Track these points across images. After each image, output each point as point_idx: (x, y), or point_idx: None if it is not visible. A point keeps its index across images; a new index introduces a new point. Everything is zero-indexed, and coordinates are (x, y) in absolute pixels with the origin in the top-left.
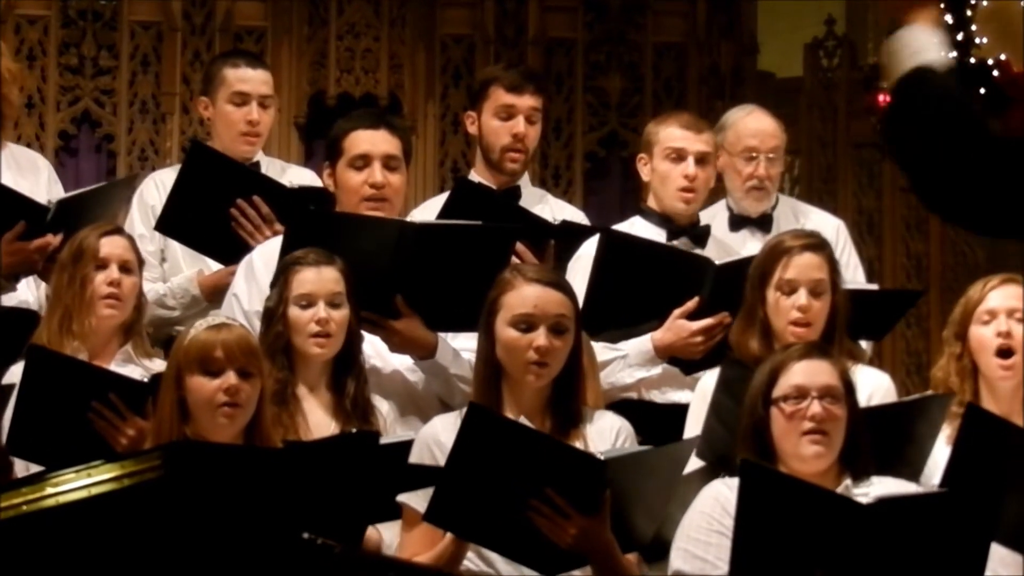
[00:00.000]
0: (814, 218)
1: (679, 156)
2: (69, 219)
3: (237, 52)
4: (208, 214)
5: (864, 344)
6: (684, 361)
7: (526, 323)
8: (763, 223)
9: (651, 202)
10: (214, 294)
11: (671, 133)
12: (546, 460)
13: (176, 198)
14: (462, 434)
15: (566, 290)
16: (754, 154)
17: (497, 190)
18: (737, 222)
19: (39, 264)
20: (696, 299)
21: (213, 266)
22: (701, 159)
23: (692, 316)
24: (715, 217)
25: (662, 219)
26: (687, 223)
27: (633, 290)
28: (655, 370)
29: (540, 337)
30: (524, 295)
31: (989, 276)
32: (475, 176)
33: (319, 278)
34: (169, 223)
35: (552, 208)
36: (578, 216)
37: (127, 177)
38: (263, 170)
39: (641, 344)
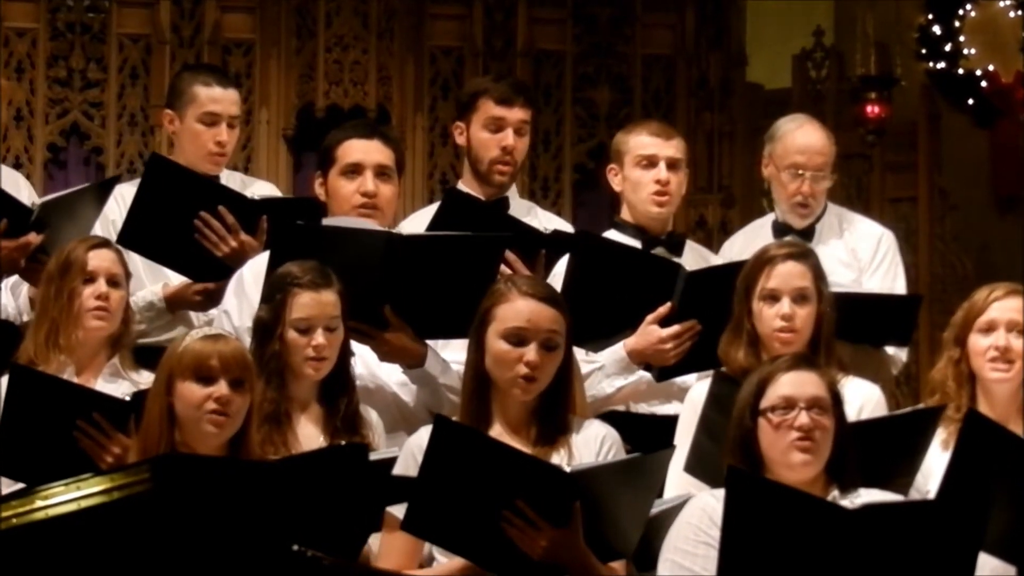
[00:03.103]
0: (859, 227)
1: (650, 163)
2: (52, 221)
3: (207, 68)
4: (170, 227)
5: (891, 350)
6: (658, 368)
7: (518, 337)
8: (806, 233)
9: (624, 214)
10: (177, 305)
11: (641, 141)
12: (514, 473)
13: (137, 211)
14: (431, 446)
15: (560, 305)
16: (800, 171)
17: (485, 201)
18: (781, 231)
19: (20, 263)
20: (668, 305)
21: (174, 279)
22: (672, 164)
23: (665, 322)
24: (763, 227)
25: (637, 230)
26: (661, 232)
27: (608, 296)
28: (632, 377)
29: (531, 352)
30: (518, 308)
31: (996, 284)
32: (463, 187)
33: (318, 302)
34: (130, 237)
35: (540, 219)
36: (565, 227)
37: (108, 179)
38: (223, 183)
39: (615, 352)
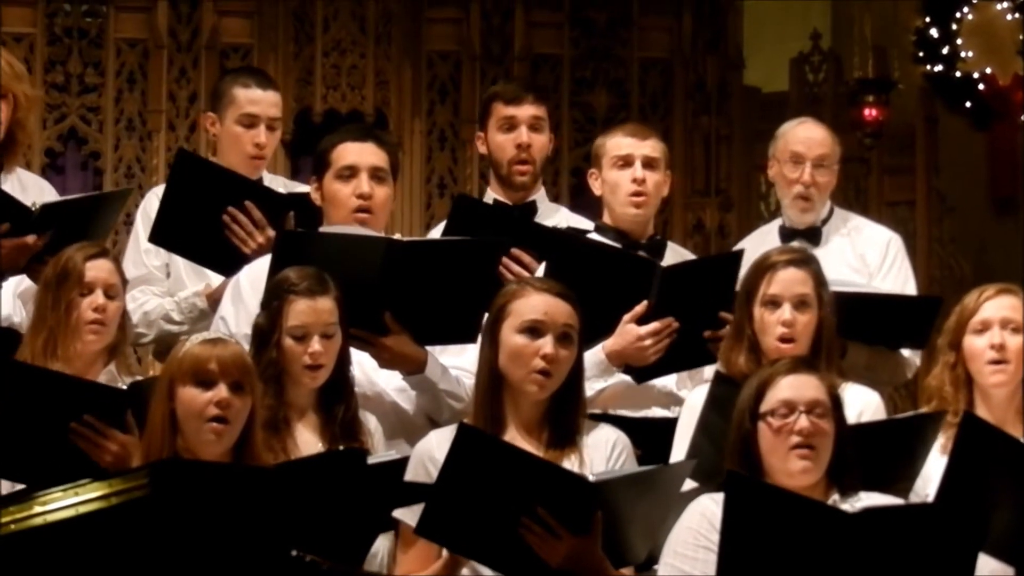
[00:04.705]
0: (867, 231)
1: (626, 162)
2: (55, 224)
3: (248, 71)
4: (200, 223)
5: (907, 353)
6: (636, 370)
7: (535, 330)
8: (812, 235)
9: (606, 217)
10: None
11: (617, 142)
12: (537, 481)
13: (167, 208)
14: (452, 454)
15: (573, 302)
16: (799, 160)
17: (513, 207)
18: (788, 234)
19: (20, 262)
20: (644, 303)
21: (215, 278)
22: (648, 163)
23: (643, 320)
24: (770, 232)
25: (617, 234)
26: (642, 235)
27: (587, 297)
28: (612, 379)
29: (547, 345)
30: (534, 303)
31: (985, 286)
32: (490, 195)
33: (314, 310)
34: (162, 234)
35: (568, 222)
36: (585, 226)
37: (119, 191)
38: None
39: (594, 355)
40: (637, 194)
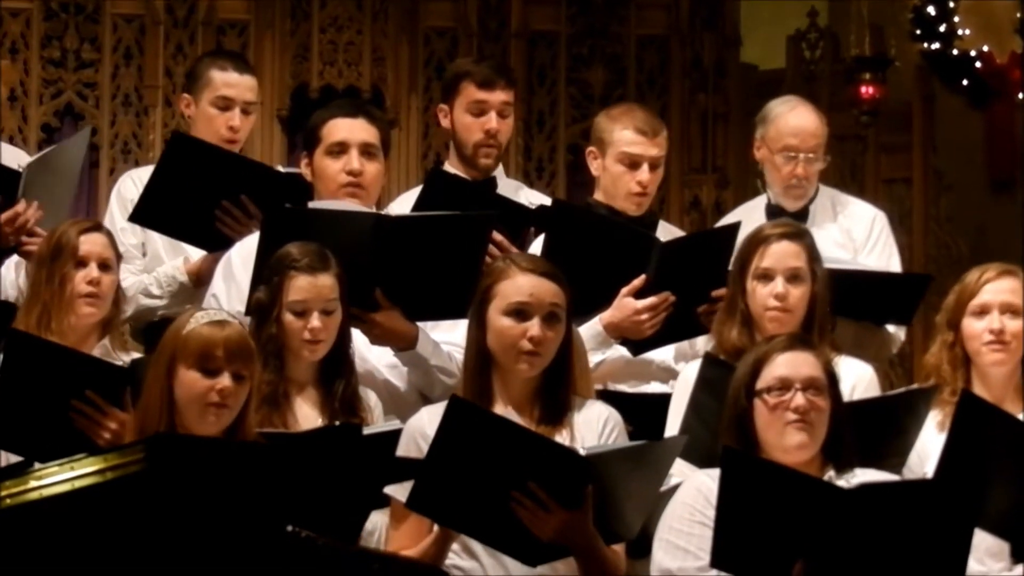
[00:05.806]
0: (852, 208)
1: (634, 163)
2: (37, 182)
3: (226, 53)
4: (189, 203)
5: (892, 328)
6: (633, 342)
7: (521, 312)
8: (800, 215)
9: (599, 195)
10: (201, 280)
11: (625, 136)
12: (528, 454)
13: (155, 189)
14: (443, 427)
15: (560, 280)
16: (793, 153)
17: (470, 180)
18: (774, 212)
19: (11, 239)
20: (643, 277)
21: (193, 254)
22: (655, 164)
23: (640, 294)
24: (756, 208)
25: (610, 211)
26: (634, 214)
27: (585, 269)
28: (609, 352)
29: (534, 327)
30: (519, 284)
31: (987, 265)
32: (449, 169)
33: (314, 286)
34: (144, 214)
35: (528, 198)
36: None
37: (81, 132)
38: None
39: (592, 327)
40: (640, 195)
